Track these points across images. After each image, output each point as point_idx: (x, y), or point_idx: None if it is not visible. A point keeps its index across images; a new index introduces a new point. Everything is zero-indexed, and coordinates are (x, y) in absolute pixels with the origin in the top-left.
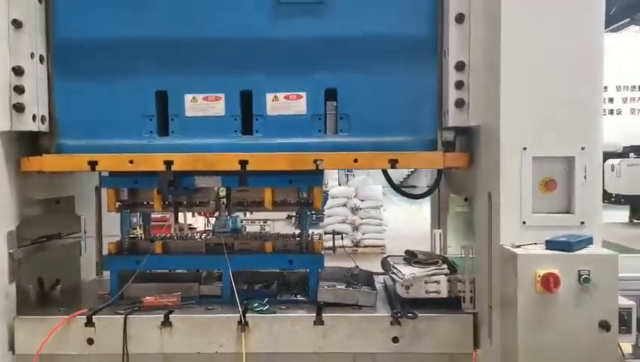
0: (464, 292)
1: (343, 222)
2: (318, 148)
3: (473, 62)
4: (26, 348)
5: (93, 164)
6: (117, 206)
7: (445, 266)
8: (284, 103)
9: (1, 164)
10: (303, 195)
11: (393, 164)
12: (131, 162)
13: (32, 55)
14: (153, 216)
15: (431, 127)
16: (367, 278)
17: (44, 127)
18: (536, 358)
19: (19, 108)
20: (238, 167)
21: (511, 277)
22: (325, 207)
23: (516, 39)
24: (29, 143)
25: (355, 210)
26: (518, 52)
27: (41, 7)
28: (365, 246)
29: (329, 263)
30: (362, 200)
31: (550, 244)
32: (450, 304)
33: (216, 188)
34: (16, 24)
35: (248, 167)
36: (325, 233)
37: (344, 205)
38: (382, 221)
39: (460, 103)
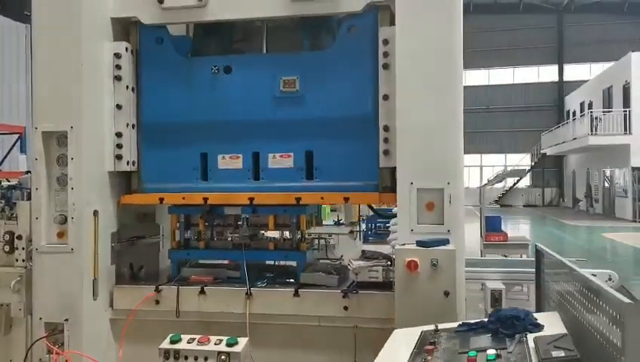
0: (394, 278)
1: None
2: (300, 190)
3: (396, 126)
4: (120, 305)
5: (161, 200)
6: (177, 226)
7: (385, 261)
8: (279, 160)
9: (108, 191)
10: (293, 220)
11: (346, 200)
12: (183, 198)
13: (127, 125)
14: None
15: (374, 175)
16: (344, 270)
17: (134, 168)
18: (407, 313)
19: (119, 157)
20: (248, 202)
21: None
22: (391, 223)
23: (403, 114)
24: (124, 180)
25: None
26: (405, 121)
27: (133, 95)
28: None
29: None
30: None
31: (418, 243)
32: (387, 286)
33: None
34: (118, 107)
35: (255, 202)
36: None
37: None
38: None
39: (386, 152)
